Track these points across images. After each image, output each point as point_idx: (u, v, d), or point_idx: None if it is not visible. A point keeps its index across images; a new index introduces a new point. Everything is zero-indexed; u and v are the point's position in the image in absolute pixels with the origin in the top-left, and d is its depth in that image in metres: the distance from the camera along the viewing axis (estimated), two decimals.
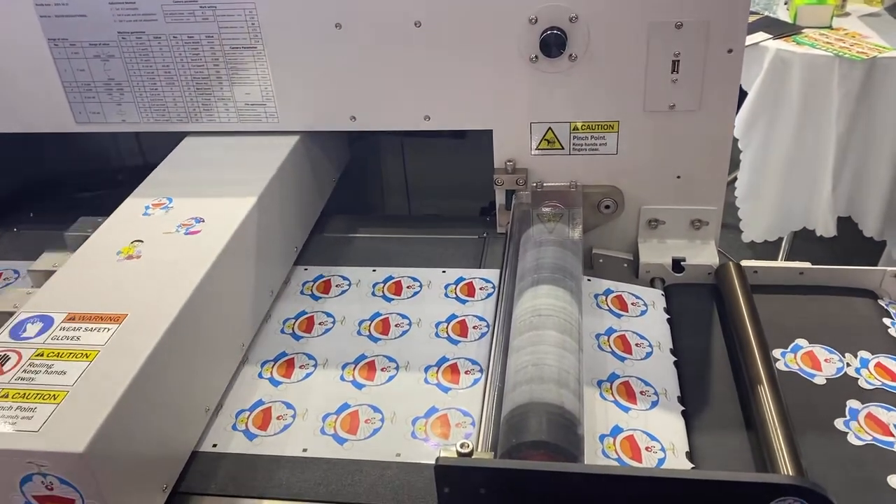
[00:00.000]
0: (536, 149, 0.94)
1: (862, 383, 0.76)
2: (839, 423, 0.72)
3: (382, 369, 0.80)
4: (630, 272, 0.95)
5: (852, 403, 0.73)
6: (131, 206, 0.86)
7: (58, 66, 0.96)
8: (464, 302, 0.89)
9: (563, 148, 0.93)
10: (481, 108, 0.92)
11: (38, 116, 1.00)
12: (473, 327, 0.85)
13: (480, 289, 0.91)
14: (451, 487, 0.55)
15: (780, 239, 2.11)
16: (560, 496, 0.55)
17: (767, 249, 2.13)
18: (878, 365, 0.78)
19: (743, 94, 1.93)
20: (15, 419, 0.58)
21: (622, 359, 0.80)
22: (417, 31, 0.88)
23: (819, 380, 0.77)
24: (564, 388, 0.66)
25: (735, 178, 2.04)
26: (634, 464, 0.68)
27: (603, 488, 0.54)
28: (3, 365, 0.63)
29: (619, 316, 0.87)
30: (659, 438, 0.71)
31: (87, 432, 0.56)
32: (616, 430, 0.72)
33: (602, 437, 0.71)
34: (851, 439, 0.70)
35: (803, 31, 1.96)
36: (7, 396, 0.60)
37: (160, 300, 0.69)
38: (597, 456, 0.69)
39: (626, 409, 0.74)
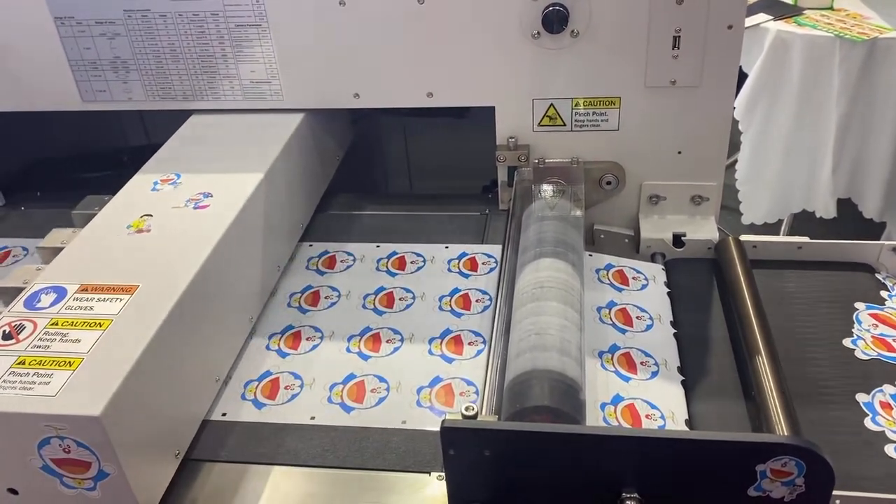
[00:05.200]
0: (538, 125, 0.95)
1: (858, 354, 0.78)
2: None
3: (387, 341, 0.81)
4: (631, 247, 0.97)
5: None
6: (139, 182, 0.87)
7: (64, 45, 0.97)
8: (467, 276, 0.91)
9: (564, 124, 0.94)
10: (484, 85, 0.93)
11: (45, 95, 1.01)
12: (476, 301, 0.87)
13: (483, 263, 0.92)
14: (456, 449, 0.57)
15: (780, 221, 2.12)
16: (562, 458, 0.56)
17: (768, 231, 2.13)
18: (875, 337, 0.80)
19: (744, 76, 1.93)
20: (32, 384, 0.59)
21: (623, 331, 0.82)
22: (420, 7, 0.88)
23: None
24: (566, 356, 0.67)
25: (735, 161, 2.04)
26: None
27: (604, 449, 0.55)
28: (18, 333, 0.65)
29: (619, 290, 0.88)
30: (659, 407, 0.72)
31: (103, 396, 0.57)
32: (617, 399, 0.73)
33: (603, 406, 0.72)
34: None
35: (804, 12, 1.96)
36: (24, 363, 0.61)
37: (171, 272, 0.71)
38: (598, 423, 0.70)
39: (627, 379, 0.75)
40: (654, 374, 0.76)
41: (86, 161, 1.24)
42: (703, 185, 0.95)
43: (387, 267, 0.93)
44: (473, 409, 0.59)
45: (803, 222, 2.12)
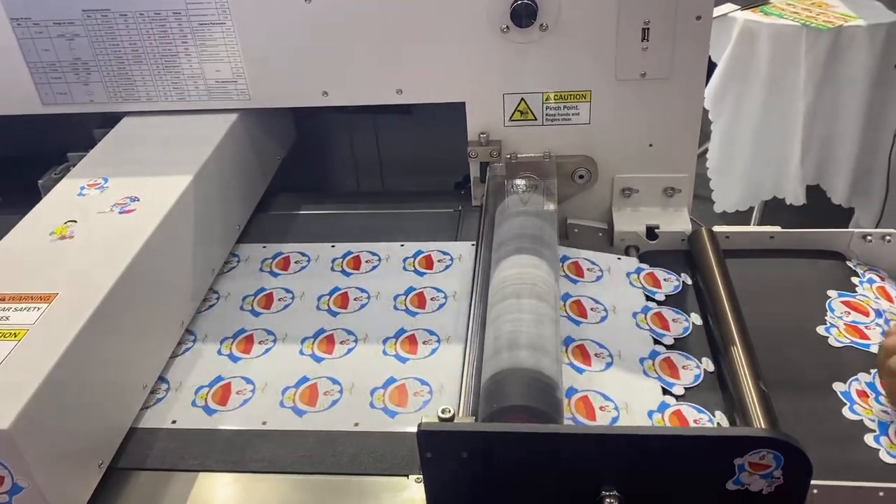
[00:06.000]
0: (509, 120, 0.94)
1: (832, 342, 0.78)
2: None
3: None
4: (605, 241, 0.96)
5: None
6: (66, 187, 0.84)
7: (22, 47, 0.94)
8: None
9: (536, 119, 0.94)
10: (453, 81, 0.92)
11: (3, 98, 0.98)
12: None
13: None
14: (433, 452, 0.56)
15: (752, 208, 2.14)
16: (540, 458, 0.56)
17: (739, 219, 2.16)
18: (847, 324, 0.80)
19: (712, 66, 1.94)
20: None
21: (661, 335, 0.80)
22: (388, 3, 0.87)
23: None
24: (542, 353, 0.67)
25: (706, 150, 2.06)
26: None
27: (582, 448, 0.55)
28: None
29: (653, 294, 0.86)
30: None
31: (12, 410, 0.55)
32: (663, 406, 0.71)
33: (651, 414, 0.70)
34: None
35: (770, 1, 1.97)
36: None
37: (91, 279, 0.69)
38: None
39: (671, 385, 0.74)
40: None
41: (48, 165, 1.21)
42: (675, 177, 0.95)
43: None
44: (450, 410, 0.58)
45: (773, 209, 2.15)
